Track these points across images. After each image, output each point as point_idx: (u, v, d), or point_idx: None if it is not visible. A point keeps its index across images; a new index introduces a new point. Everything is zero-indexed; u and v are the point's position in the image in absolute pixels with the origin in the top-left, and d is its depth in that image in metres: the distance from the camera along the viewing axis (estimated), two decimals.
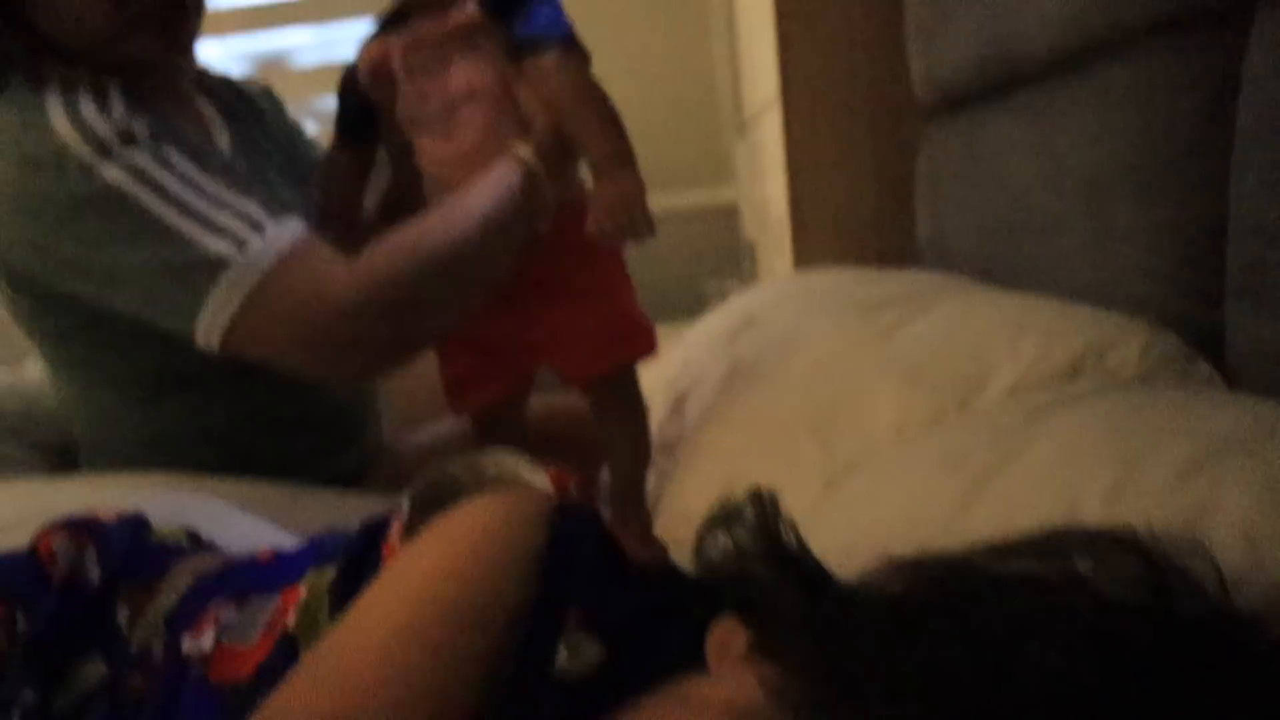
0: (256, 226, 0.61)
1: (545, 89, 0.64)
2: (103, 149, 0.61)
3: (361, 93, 0.70)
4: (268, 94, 0.90)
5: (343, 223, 0.76)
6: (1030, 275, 0.73)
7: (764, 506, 0.32)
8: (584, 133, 0.63)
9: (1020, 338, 0.55)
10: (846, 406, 0.56)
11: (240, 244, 0.60)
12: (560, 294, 0.68)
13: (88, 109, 0.62)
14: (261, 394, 0.76)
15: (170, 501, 0.59)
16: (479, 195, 0.63)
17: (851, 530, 0.43)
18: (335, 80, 0.74)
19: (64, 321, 0.70)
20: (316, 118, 2.33)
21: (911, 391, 0.54)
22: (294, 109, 0.98)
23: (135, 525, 0.47)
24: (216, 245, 0.60)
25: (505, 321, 0.70)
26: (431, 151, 0.68)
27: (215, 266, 0.60)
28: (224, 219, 0.61)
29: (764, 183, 1.42)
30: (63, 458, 0.82)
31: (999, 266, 0.82)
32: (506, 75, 0.66)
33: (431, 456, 0.88)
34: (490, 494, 0.34)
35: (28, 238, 0.64)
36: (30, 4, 0.65)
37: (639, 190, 0.60)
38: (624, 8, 2.12)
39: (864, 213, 1.18)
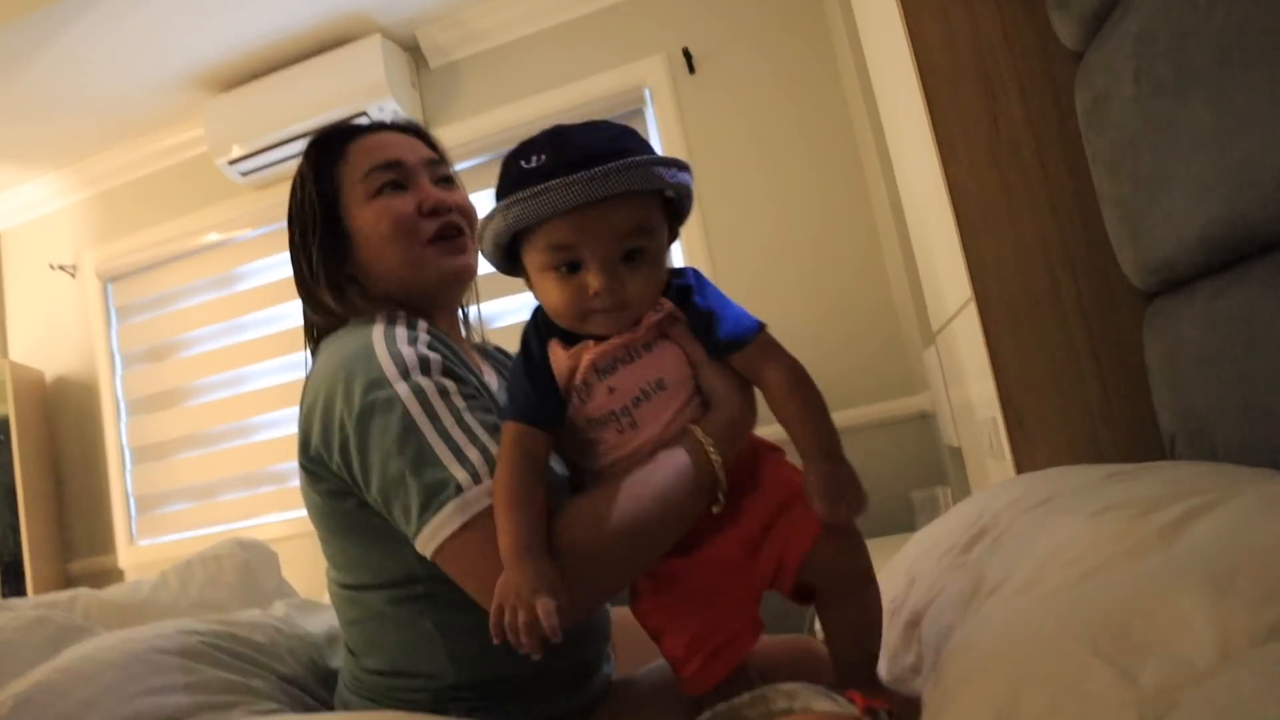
0: (494, 468, 0.68)
1: (758, 380, 0.70)
2: (402, 369, 0.71)
3: (557, 383, 0.69)
4: None
5: None
6: None
7: None
8: (795, 423, 0.68)
9: None
10: (1138, 625, 0.47)
11: (477, 479, 0.67)
12: (751, 496, 0.70)
13: (400, 337, 0.75)
14: None
15: None
16: (660, 474, 0.67)
17: None
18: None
19: (338, 511, 0.78)
20: None
21: (1227, 604, 0.44)
22: None
23: None
24: (458, 472, 0.67)
25: (714, 547, 0.69)
26: (616, 444, 0.69)
27: (450, 488, 0.66)
28: (472, 453, 0.68)
29: (964, 387, 1.36)
30: (303, 689, 0.86)
31: None
32: (691, 360, 0.71)
33: (658, 693, 0.83)
34: (801, 716, 0.31)
35: (325, 418, 0.74)
36: (357, 262, 0.84)
37: (850, 475, 0.65)
38: (803, 250, 2.26)
39: (1087, 408, 1.08)
